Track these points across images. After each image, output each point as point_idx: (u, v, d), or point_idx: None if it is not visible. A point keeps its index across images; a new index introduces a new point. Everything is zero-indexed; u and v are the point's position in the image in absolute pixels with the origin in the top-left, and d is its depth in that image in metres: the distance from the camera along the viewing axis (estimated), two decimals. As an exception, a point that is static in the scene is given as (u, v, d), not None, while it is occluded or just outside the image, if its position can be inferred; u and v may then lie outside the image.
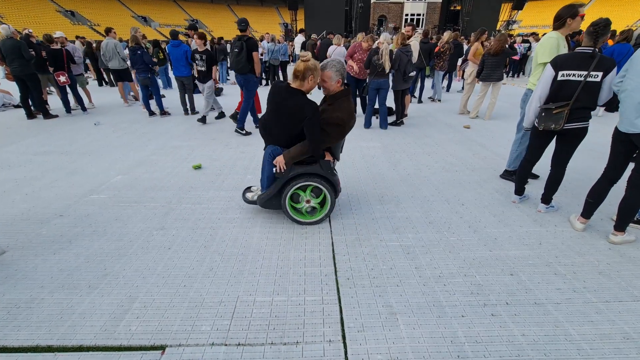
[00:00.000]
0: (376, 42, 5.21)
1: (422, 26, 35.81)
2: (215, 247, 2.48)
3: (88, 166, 4.13)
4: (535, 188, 3.38)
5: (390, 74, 5.45)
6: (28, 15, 34.47)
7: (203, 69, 5.93)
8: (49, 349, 1.64)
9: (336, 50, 8.07)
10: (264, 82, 11.91)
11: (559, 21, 3.03)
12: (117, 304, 1.92)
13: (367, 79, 5.56)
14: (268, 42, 10.49)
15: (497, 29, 33.41)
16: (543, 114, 2.59)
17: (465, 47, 11.04)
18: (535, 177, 3.66)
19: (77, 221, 2.83)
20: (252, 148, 4.80)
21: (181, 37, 6.63)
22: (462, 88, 9.84)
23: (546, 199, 2.93)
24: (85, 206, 3.10)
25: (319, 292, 2.02)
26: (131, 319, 1.82)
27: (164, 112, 6.97)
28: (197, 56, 5.91)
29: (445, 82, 9.82)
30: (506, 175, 3.66)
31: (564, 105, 2.57)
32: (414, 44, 6.63)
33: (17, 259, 2.33)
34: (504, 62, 5.94)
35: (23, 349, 1.64)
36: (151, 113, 6.91)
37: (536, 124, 2.73)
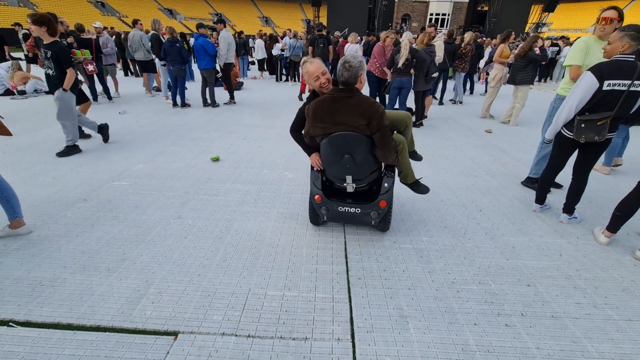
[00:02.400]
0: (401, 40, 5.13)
1: (447, 26, 35.10)
2: (230, 239, 2.52)
3: (111, 154, 4.27)
4: (557, 197, 3.26)
5: (412, 74, 5.37)
6: (61, 5, 35.78)
7: (50, 72, 3.89)
8: (69, 327, 1.71)
9: (349, 47, 8.04)
10: (284, 77, 11.97)
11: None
12: (133, 288, 1.98)
13: (389, 78, 5.50)
14: (290, 38, 10.51)
15: (526, 31, 32.32)
16: (583, 126, 2.45)
17: (487, 49, 10.77)
18: (559, 186, 3.53)
19: (99, 206, 2.94)
20: (269, 143, 4.84)
21: (202, 31, 6.72)
22: (485, 91, 9.62)
23: (568, 209, 2.83)
24: (108, 192, 3.21)
25: (329, 290, 2.02)
26: (146, 304, 1.87)
27: (185, 104, 7.12)
28: (43, 52, 3.81)
29: (468, 84, 9.59)
30: (528, 182, 3.55)
31: (607, 116, 2.44)
32: (439, 44, 6.49)
33: (42, 239, 2.44)
34: (530, 65, 5.70)
35: (46, 324, 1.72)
36: (175, 104, 7.07)
37: (571, 136, 2.57)
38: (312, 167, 2.48)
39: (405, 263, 2.28)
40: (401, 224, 2.78)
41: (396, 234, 2.64)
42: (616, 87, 2.35)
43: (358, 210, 2.40)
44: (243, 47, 10.90)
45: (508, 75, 6.27)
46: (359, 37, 8.61)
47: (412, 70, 5.41)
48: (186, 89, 8.69)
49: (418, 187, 2.66)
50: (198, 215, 2.83)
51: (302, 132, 2.42)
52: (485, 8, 37.08)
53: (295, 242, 2.50)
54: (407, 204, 3.12)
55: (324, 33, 8.17)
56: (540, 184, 2.99)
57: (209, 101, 7.23)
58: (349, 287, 2.05)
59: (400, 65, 5.12)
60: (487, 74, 9.45)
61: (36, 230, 2.54)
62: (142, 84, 8.67)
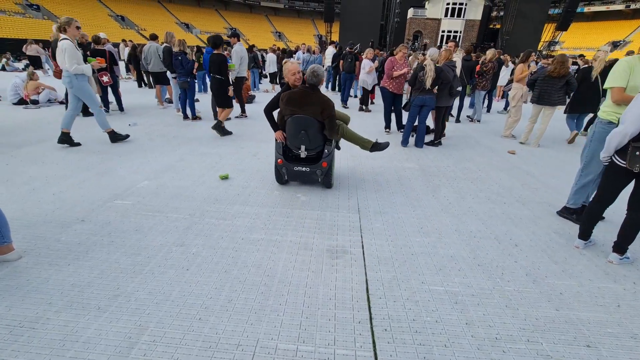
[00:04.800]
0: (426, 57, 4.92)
1: (459, 44, 35.12)
2: (237, 272, 2.25)
3: (117, 168, 4.08)
4: (600, 232, 2.92)
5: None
6: (82, 18, 37.05)
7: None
8: (44, 385, 1.45)
9: (364, 63, 7.94)
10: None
11: None
12: (125, 334, 1.71)
13: (411, 95, 5.27)
14: (304, 53, 10.45)
15: (539, 49, 32.11)
16: (638, 153, 2.17)
17: (506, 67, 10.51)
18: (601, 218, 3.18)
19: (97, 229, 2.71)
20: (281, 160, 4.60)
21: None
22: (505, 108, 9.33)
23: (620, 248, 2.49)
24: (108, 212, 2.99)
25: (351, 344, 1.72)
26: (137, 356, 1.60)
27: (195, 117, 7.00)
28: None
29: (485, 102, 9.31)
30: (565, 212, 3.22)
31: None
32: (457, 61, 6.27)
33: (31, 266, 2.21)
34: (565, 86, 5.38)
35: (17, 381, 1.46)
36: (185, 117, 6.95)
37: (624, 164, 2.29)
38: (276, 140, 3.54)
39: (438, 311, 1.97)
40: (429, 260, 2.47)
41: (424, 271, 2.33)
42: None
43: (307, 169, 3.43)
44: (253, 60, 10.87)
45: (530, 92, 5.99)
46: (373, 54, 8.49)
47: (434, 89, 5.18)
48: (197, 100, 8.63)
49: (378, 147, 3.66)
50: (203, 243, 2.57)
51: (274, 112, 3.57)
52: (498, 26, 37.12)
53: (311, 279, 2.21)
54: (432, 233, 2.82)
55: (353, 51, 9.50)
56: (586, 218, 2.66)
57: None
58: (373, 342, 1.74)
59: (428, 86, 4.89)
60: (504, 92, 9.19)
61: (26, 256, 2.31)
62: (155, 95, 8.63)
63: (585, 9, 43.92)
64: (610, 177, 2.46)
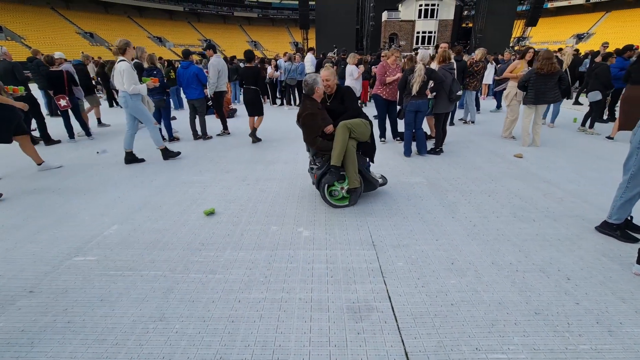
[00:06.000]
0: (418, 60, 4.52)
1: (433, 43, 35.55)
2: (236, 357, 1.70)
3: (81, 210, 3.45)
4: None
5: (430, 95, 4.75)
6: (49, 37, 35.52)
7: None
8: None
9: (349, 69, 7.59)
10: (278, 101, 11.38)
11: None
12: None
13: (403, 101, 4.86)
14: (285, 61, 9.98)
15: (510, 45, 32.89)
16: None
17: (490, 64, 10.38)
18: (643, 231, 2.82)
19: (49, 303, 2.10)
20: (274, 185, 4.08)
21: (195, 57, 6.09)
22: (497, 107, 9.13)
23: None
24: (65, 276, 2.38)
25: None
26: None
27: (172, 138, 6.38)
28: None
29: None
30: (607, 229, 2.82)
31: None
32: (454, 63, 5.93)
33: (-52, 380, 1.60)
34: (557, 82, 5.16)
35: None
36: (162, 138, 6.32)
37: None
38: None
39: (511, 397, 1.49)
40: (474, 311, 1.99)
41: (473, 331, 1.85)
42: None
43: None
44: (235, 72, 10.31)
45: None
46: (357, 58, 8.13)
47: (427, 92, 4.80)
48: (174, 118, 8.01)
49: (353, 193, 3.40)
50: (188, 313, 2.01)
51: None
52: (470, 24, 37.97)
53: (335, 356, 1.69)
54: (467, 271, 2.35)
55: (345, 57, 9.24)
56: None
57: (199, 133, 6.51)
58: None
59: (414, 91, 4.50)
60: (496, 90, 9.00)
61: (-56, 361, 1.70)
62: (126, 116, 7.93)
63: (549, 5, 45.54)
64: None
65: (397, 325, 1.91)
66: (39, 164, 4.63)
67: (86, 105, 7.51)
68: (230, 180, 4.25)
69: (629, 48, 7.27)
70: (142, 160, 5.06)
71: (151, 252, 2.67)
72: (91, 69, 9.93)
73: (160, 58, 10.63)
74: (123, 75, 4.44)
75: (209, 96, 6.91)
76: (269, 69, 10.81)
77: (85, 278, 2.35)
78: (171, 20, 49.75)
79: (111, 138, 6.68)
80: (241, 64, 14.62)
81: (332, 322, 1.92)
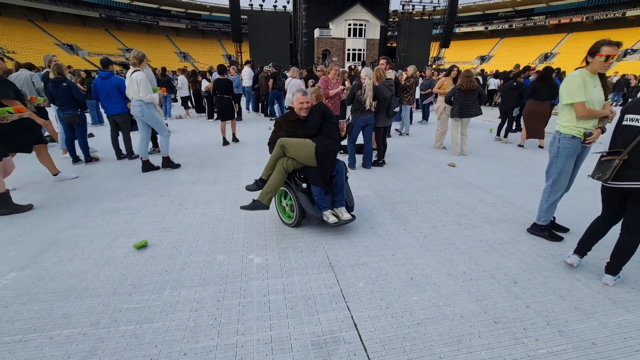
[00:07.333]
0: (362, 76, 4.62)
1: (362, 60, 37.83)
2: None
3: (-40, 256, 2.69)
4: (568, 247, 2.81)
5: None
6: None
7: None
8: None
9: (291, 82, 7.73)
10: (215, 115, 10.79)
11: (584, 59, 2.68)
12: None
13: (351, 117, 4.92)
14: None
15: (429, 63, 36.71)
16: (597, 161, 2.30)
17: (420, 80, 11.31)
18: (565, 229, 3.17)
19: None
20: (216, 207, 3.72)
21: (115, 67, 5.42)
22: (423, 118, 9.89)
23: (613, 268, 2.36)
24: None
25: None
26: None
27: (90, 159, 5.52)
28: None
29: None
30: (536, 230, 3.10)
31: (614, 153, 2.19)
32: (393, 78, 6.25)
33: None
34: (477, 98, 5.78)
35: None
36: (76, 159, 5.44)
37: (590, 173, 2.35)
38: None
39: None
40: (439, 327, 1.95)
41: (442, 351, 1.80)
42: (633, 123, 2.16)
43: None
44: (167, 84, 9.54)
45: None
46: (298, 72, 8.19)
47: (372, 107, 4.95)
48: (92, 136, 7.06)
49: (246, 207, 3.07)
50: (119, 380, 1.62)
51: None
52: (394, 44, 41.50)
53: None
54: (426, 286, 2.34)
55: (283, 71, 10.14)
56: (590, 232, 2.51)
57: (124, 152, 5.76)
58: None
59: (368, 107, 4.60)
60: (424, 103, 9.76)
61: None
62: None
63: (457, 30, 52.24)
64: (602, 194, 2.41)
65: (367, 355, 1.77)
66: (55, 175, 4.56)
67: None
68: (165, 205, 3.76)
69: (527, 69, 8.51)
70: (158, 167, 5.14)
71: (64, 303, 2.15)
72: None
73: (69, 67, 9.34)
74: (140, 85, 4.54)
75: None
76: (204, 83, 10.24)
77: (-35, 352, 1.77)
78: (84, 27, 44.79)
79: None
80: (175, 76, 13.71)
81: (299, 365, 1.71)
